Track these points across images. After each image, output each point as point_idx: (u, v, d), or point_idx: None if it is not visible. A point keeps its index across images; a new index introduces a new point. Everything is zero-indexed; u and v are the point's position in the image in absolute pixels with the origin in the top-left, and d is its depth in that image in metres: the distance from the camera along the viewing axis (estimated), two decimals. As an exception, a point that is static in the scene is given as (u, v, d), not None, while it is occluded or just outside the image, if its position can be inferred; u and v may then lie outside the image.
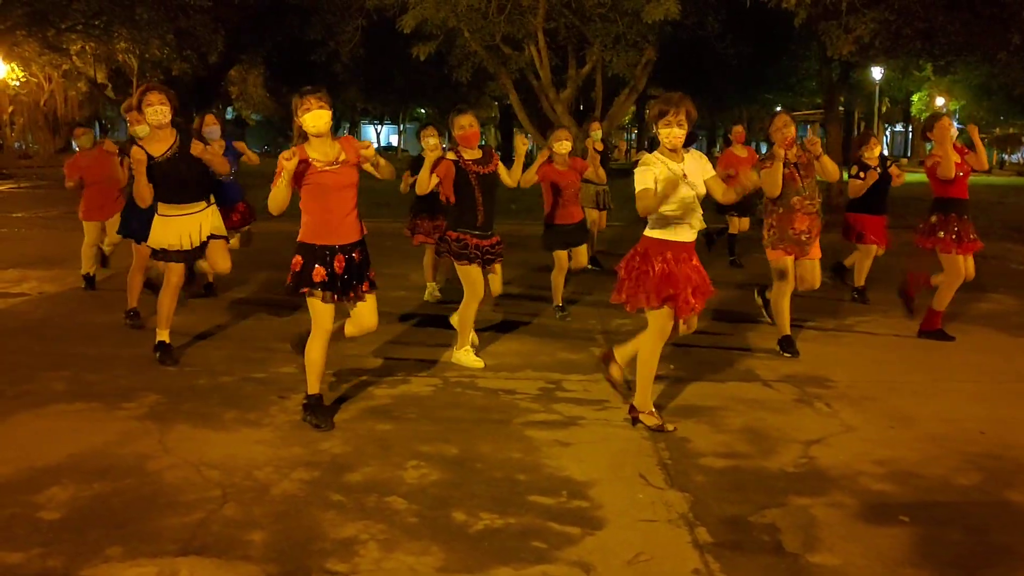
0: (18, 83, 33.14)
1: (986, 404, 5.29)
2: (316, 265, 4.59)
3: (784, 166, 6.20)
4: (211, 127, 7.62)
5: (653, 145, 4.87)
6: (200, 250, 6.05)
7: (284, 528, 3.51)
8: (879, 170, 8.01)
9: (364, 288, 4.76)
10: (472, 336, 6.09)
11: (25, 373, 5.61)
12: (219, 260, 6.24)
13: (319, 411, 4.76)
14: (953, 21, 15.33)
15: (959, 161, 6.76)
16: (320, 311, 4.67)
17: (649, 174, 4.59)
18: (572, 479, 4.06)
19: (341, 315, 4.86)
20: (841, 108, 30.18)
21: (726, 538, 3.49)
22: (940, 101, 39.93)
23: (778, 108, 37.51)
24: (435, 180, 5.83)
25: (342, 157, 4.64)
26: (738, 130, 10.83)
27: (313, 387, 4.78)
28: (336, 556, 3.29)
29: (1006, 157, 47.67)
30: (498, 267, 6.12)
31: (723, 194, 4.82)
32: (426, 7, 14.89)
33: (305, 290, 4.62)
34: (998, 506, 3.84)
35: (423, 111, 53.61)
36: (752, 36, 21.77)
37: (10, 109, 37.10)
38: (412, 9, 15.11)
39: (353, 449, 4.39)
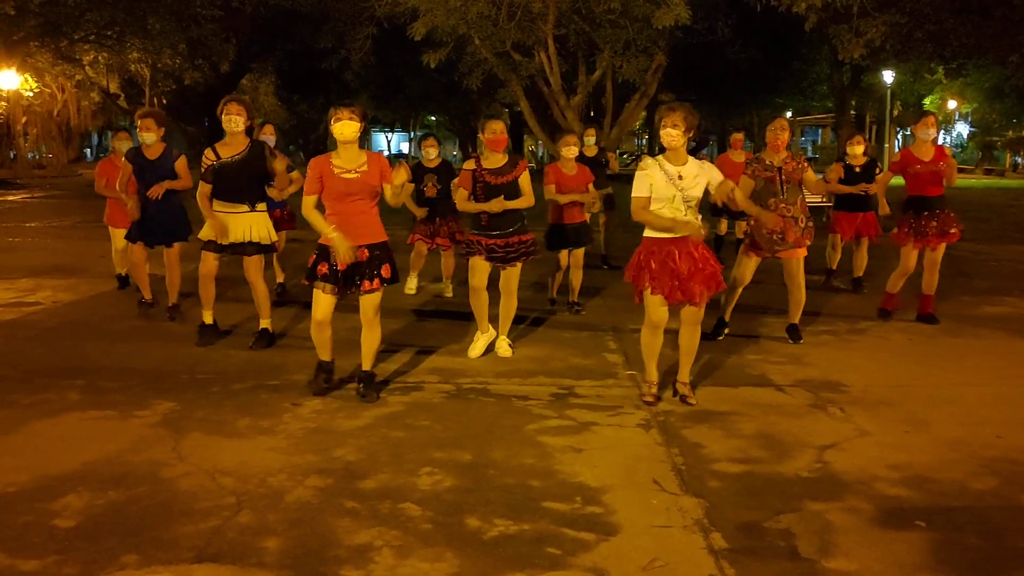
0: (31, 93, 33.40)
1: (1002, 408, 5.25)
2: (322, 262, 5.16)
3: (766, 169, 6.60)
4: (268, 136, 8.11)
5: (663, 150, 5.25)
6: (240, 249, 6.44)
7: (298, 535, 3.52)
8: (859, 169, 8.82)
9: (368, 285, 5.16)
10: (486, 328, 6.48)
11: (40, 382, 5.65)
12: (251, 272, 6.53)
13: (317, 375, 5.43)
14: (964, 24, 15.30)
15: (929, 160, 7.23)
16: (316, 300, 5.23)
17: (645, 180, 5.10)
18: (586, 485, 4.05)
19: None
20: (852, 112, 30.12)
21: (741, 544, 3.47)
22: (952, 104, 39.77)
23: (788, 113, 37.48)
24: (464, 192, 6.27)
25: (364, 168, 5.11)
26: (736, 137, 10.87)
27: (320, 356, 5.42)
28: (350, 563, 3.29)
29: (1019, 160, 47.40)
30: (516, 266, 6.33)
31: (716, 189, 5.17)
32: (436, 15, 14.93)
33: (305, 282, 5.27)
34: (1015, 510, 3.81)
35: (433, 118, 53.74)
36: (763, 40, 21.77)
37: (23, 119, 37.34)
38: (422, 17, 15.15)
39: (367, 456, 4.40)
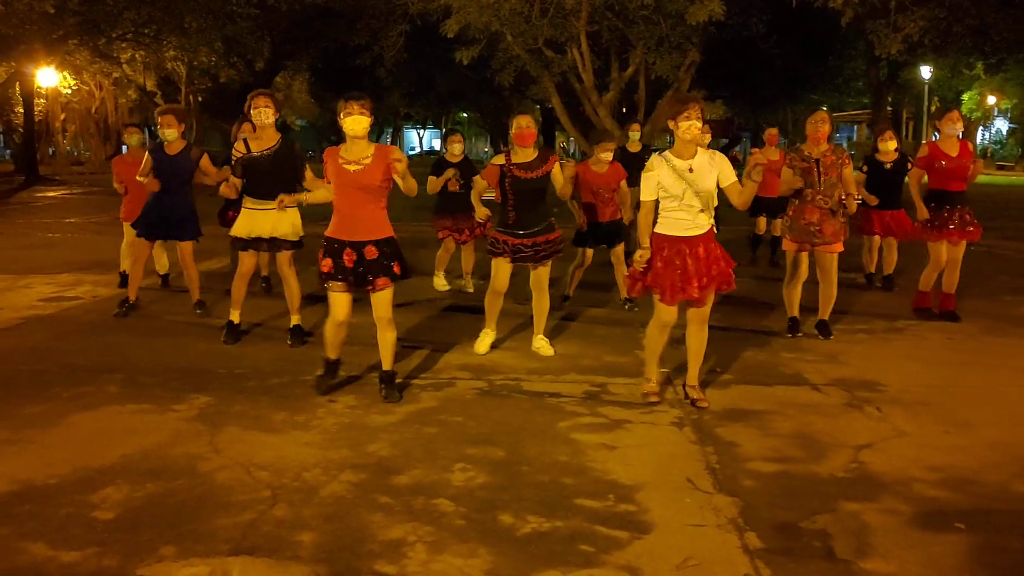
0: (70, 91, 33.92)
1: (1044, 409, 5.16)
2: (326, 257, 5.12)
3: (804, 160, 6.56)
4: (247, 134, 7.99)
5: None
6: (270, 245, 6.54)
7: (333, 529, 3.54)
8: (889, 166, 8.71)
9: (379, 282, 5.10)
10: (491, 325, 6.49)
11: (80, 376, 5.73)
12: (283, 266, 6.65)
13: (325, 374, 5.42)
14: (1006, 17, 15.04)
15: (955, 155, 7.19)
16: (331, 300, 5.21)
17: (652, 181, 5.03)
18: (619, 483, 4.04)
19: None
20: (889, 108, 29.73)
21: (777, 544, 3.44)
22: (992, 100, 39.12)
23: (824, 108, 37.02)
24: (484, 185, 6.25)
25: (367, 160, 5.02)
26: (771, 132, 10.75)
27: (328, 353, 5.41)
28: (384, 558, 3.31)
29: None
30: (547, 264, 6.29)
31: (738, 196, 5.03)
32: (469, 12, 14.93)
33: (326, 286, 5.20)
34: (1058, 514, 3.75)
35: (465, 115, 53.82)
36: (798, 36, 21.55)
37: (62, 116, 37.96)
38: (455, 14, 15.15)
39: (400, 452, 4.42)
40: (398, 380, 5.51)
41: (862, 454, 4.41)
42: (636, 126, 10.41)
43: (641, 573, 3.21)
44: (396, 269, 5.16)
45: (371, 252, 5.08)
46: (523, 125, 6.10)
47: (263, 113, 6.28)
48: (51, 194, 24.28)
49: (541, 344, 6.43)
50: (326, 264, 5.10)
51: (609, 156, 7.53)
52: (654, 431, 4.77)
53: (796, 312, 6.92)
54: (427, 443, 4.55)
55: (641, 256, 5.05)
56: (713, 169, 4.99)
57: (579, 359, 6.26)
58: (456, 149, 8.48)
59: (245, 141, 6.44)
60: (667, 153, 5.06)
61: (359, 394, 5.38)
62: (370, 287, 5.12)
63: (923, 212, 7.38)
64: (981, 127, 45.63)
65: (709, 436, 4.68)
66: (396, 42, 18.58)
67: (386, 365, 5.35)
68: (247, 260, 6.59)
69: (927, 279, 7.53)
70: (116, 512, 3.68)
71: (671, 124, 5.00)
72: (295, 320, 6.71)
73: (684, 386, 5.34)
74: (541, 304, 6.38)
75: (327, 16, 24.83)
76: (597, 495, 3.89)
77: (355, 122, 4.96)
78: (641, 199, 5.11)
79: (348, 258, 5.06)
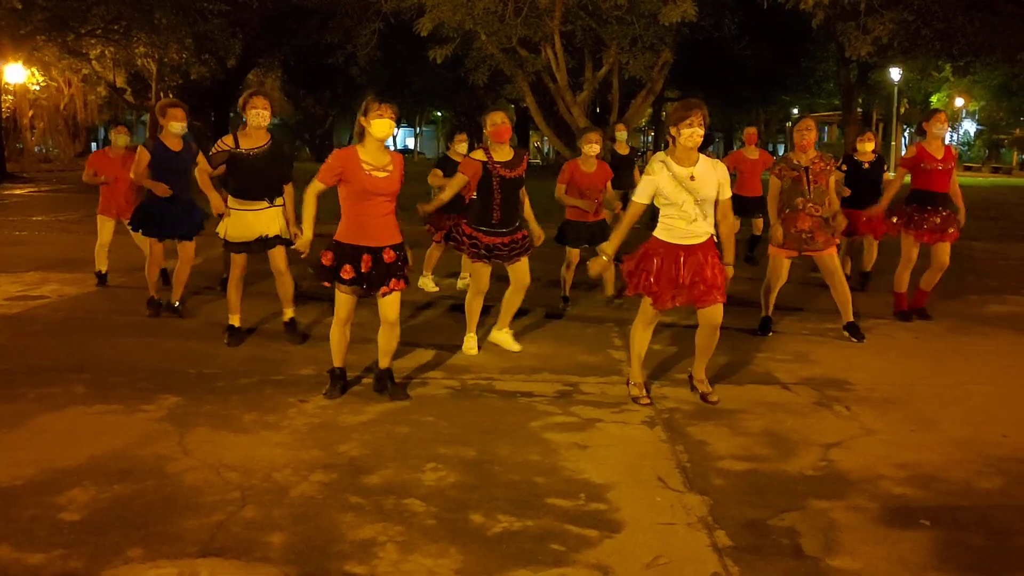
0: (38, 87, 33.47)
1: (1009, 407, 5.24)
2: (345, 264, 4.98)
3: (794, 169, 6.59)
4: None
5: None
6: (262, 245, 6.41)
7: (303, 530, 3.52)
8: (867, 166, 8.74)
9: (391, 285, 5.06)
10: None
11: (46, 375, 5.66)
12: (279, 261, 6.52)
13: (333, 385, 5.29)
14: (973, 21, 15.24)
15: (941, 157, 7.26)
16: (340, 302, 5.13)
17: (650, 186, 4.93)
18: (590, 482, 4.05)
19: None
20: (859, 109, 30.01)
21: (745, 542, 3.47)
22: (959, 102, 39.64)
23: (795, 110, 37.35)
24: (463, 179, 6.08)
25: (390, 167, 4.99)
26: (750, 131, 10.74)
27: (335, 362, 5.31)
28: (354, 558, 3.29)
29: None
30: (524, 260, 6.28)
31: (724, 220, 5.08)
32: (443, 10, 14.90)
33: (327, 284, 5.09)
34: (1021, 510, 3.80)
35: (439, 114, 53.69)
36: (769, 37, 21.71)
37: (30, 113, 37.43)
38: (429, 12, 15.12)
39: (371, 451, 4.40)
40: (368, 380, 5.49)
41: (831, 452, 4.46)
42: (622, 126, 10.36)
43: (611, 572, 3.22)
44: (407, 272, 5.17)
45: (389, 256, 5.03)
46: (498, 121, 6.05)
47: (260, 115, 6.19)
48: (18, 192, 23.93)
49: (503, 338, 6.43)
50: (347, 271, 4.96)
51: (595, 149, 7.45)
52: (626, 430, 4.79)
53: (770, 312, 6.98)
54: (398, 443, 4.54)
55: (595, 264, 5.09)
56: (715, 177, 4.91)
57: (552, 358, 6.27)
58: (462, 148, 8.39)
59: (235, 136, 6.31)
60: (668, 158, 4.90)
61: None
62: (385, 290, 5.07)
63: (883, 204, 7.61)
64: (949, 129, 46.20)
65: (680, 435, 4.71)
66: (370, 40, 18.52)
67: (386, 363, 5.34)
68: (241, 262, 6.44)
69: (900, 279, 7.55)
70: (83, 514, 3.64)
71: (672, 131, 4.86)
72: (289, 314, 6.62)
73: (691, 379, 5.35)
74: (514, 299, 6.36)
75: (299, 14, 24.69)
76: (568, 494, 3.90)
77: (385, 125, 4.92)
78: (633, 199, 5.00)
79: (366, 264, 4.97)
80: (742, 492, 3.96)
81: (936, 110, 7.54)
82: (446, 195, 6.14)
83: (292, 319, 6.65)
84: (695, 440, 4.63)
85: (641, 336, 5.27)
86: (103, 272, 8.97)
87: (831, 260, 6.66)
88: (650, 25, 15.06)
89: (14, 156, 37.81)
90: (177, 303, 7.40)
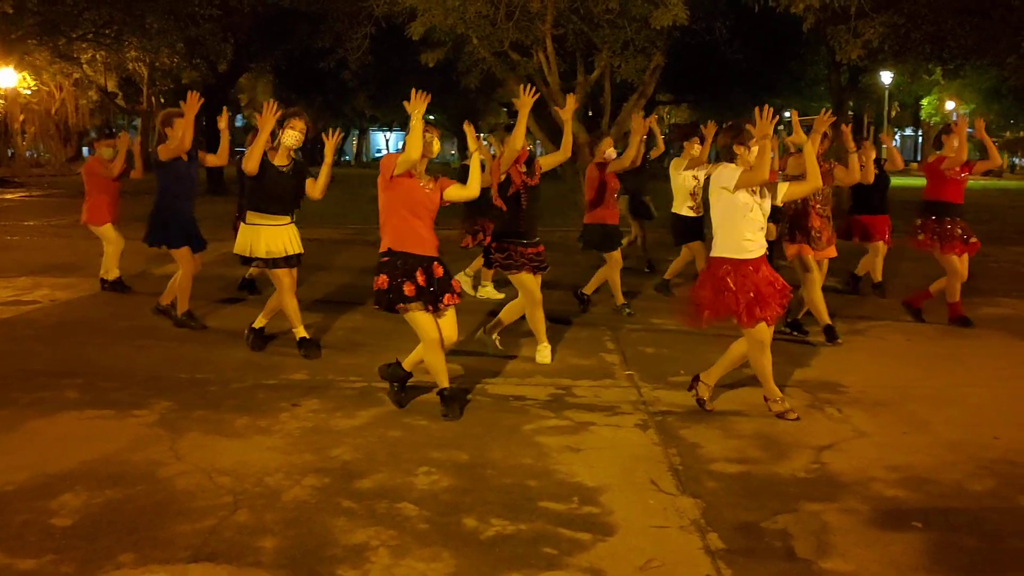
0: (29, 92, 33.31)
1: (1001, 409, 5.26)
2: (404, 281, 4.89)
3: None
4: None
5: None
6: (283, 262, 6.26)
7: (295, 534, 3.51)
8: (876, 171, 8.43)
9: (450, 299, 5.02)
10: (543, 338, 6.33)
11: (38, 380, 5.64)
12: (290, 279, 6.37)
13: (449, 401, 5.04)
14: (963, 25, 15.29)
15: (964, 163, 7.27)
16: (422, 322, 4.94)
17: (733, 175, 4.91)
18: (583, 485, 4.05)
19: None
20: (850, 113, 30.08)
21: (738, 544, 3.47)
22: (950, 105, 39.80)
23: (787, 113, 37.47)
24: (490, 180, 5.99)
25: (433, 182, 5.03)
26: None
27: (442, 383, 5.06)
28: (347, 562, 3.29)
29: (1017, 161, 47.45)
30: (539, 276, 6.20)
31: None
32: (434, 14, 14.90)
33: (400, 306, 4.92)
34: (1012, 512, 3.82)
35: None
36: (761, 41, 21.73)
37: (21, 118, 37.26)
38: (420, 16, 15.11)
39: (364, 456, 4.40)
40: (363, 384, 5.49)
41: (823, 455, 4.47)
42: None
43: (604, 575, 3.22)
44: (457, 286, 5.12)
45: (438, 270, 5.01)
46: (517, 148, 5.90)
47: (296, 138, 6.12)
48: (9, 196, 23.85)
49: (546, 352, 6.31)
50: (409, 288, 4.87)
51: (612, 153, 7.70)
52: (618, 433, 4.79)
53: (828, 319, 6.81)
54: (391, 447, 4.53)
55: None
56: (772, 190, 5.04)
57: (544, 362, 6.26)
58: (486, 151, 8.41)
59: (267, 153, 6.11)
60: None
61: (322, 398, 5.34)
62: (442, 305, 5.00)
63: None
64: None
65: (673, 438, 4.71)
66: (361, 44, 18.49)
67: (445, 382, 5.10)
68: (286, 277, 6.29)
69: (953, 290, 7.41)
70: (74, 519, 3.63)
71: (740, 150, 4.91)
72: (301, 333, 6.41)
73: (699, 378, 5.27)
74: (538, 313, 6.22)
75: (291, 18, 24.62)
76: (561, 497, 3.90)
77: (436, 143, 5.00)
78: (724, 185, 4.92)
79: (421, 277, 4.91)
80: (735, 495, 3.96)
81: (950, 123, 7.56)
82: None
83: (303, 337, 6.41)
84: (688, 443, 4.63)
85: (762, 359, 5.02)
86: (119, 277, 8.90)
87: (824, 262, 6.87)
88: (641, 29, 15.07)
89: (5, 161, 37.74)
90: (170, 307, 7.34)
